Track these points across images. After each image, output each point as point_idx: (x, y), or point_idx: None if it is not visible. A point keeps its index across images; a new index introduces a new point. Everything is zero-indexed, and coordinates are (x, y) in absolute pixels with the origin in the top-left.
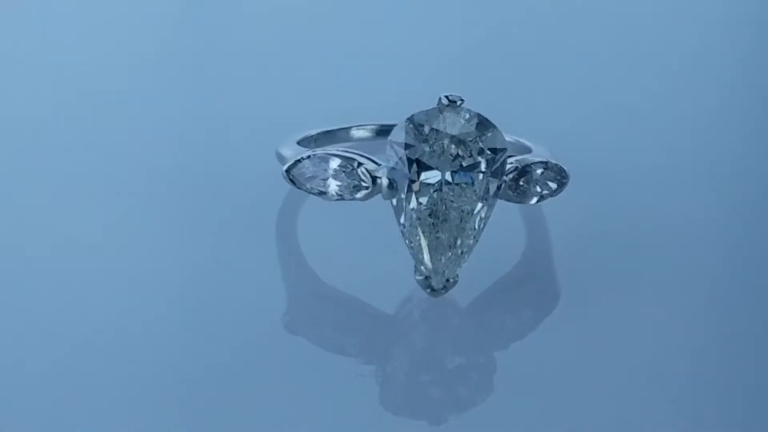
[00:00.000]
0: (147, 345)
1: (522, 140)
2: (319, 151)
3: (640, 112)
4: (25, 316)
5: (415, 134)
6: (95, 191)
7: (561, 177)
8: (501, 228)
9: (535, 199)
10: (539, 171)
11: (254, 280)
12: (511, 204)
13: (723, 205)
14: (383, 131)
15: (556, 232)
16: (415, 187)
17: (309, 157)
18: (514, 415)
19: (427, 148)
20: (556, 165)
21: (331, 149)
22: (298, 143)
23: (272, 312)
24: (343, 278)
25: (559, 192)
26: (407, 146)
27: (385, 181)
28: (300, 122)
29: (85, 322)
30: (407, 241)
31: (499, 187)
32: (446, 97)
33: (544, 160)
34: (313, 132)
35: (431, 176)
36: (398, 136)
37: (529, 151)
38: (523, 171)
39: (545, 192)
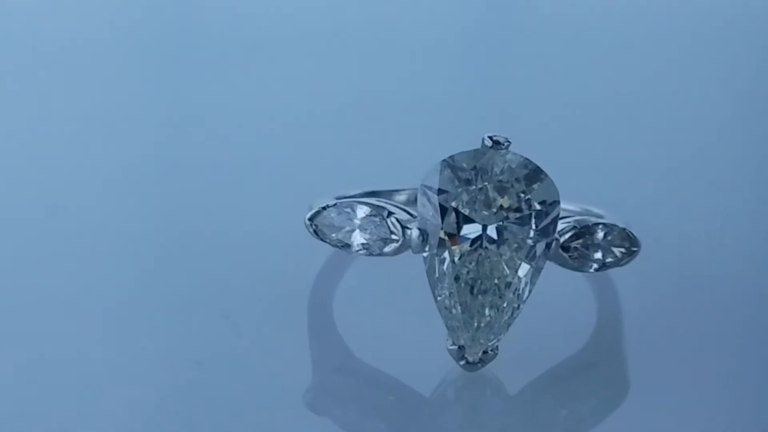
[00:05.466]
0: (156, 415)
1: (591, 208)
2: (346, 199)
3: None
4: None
5: (451, 178)
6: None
7: (629, 244)
8: (561, 299)
9: (594, 267)
10: (601, 234)
11: (279, 351)
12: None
13: None
14: None
15: (629, 308)
16: (450, 241)
17: (335, 204)
18: None
19: (466, 196)
20: (624, 230)
21: (360, 198)
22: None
23: (295, 388)
24: (376, 350)
25: (627, 262)
26: (441, 192)
27: (415, 233)
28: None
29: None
30: (439, 304)
31: (548, 247)
32: (490, 137)
33: (609, 222)
34: (353, 192)
35: (470, 230)
36: (431, 179)
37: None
38: (581, 232)
39: (609, 260)
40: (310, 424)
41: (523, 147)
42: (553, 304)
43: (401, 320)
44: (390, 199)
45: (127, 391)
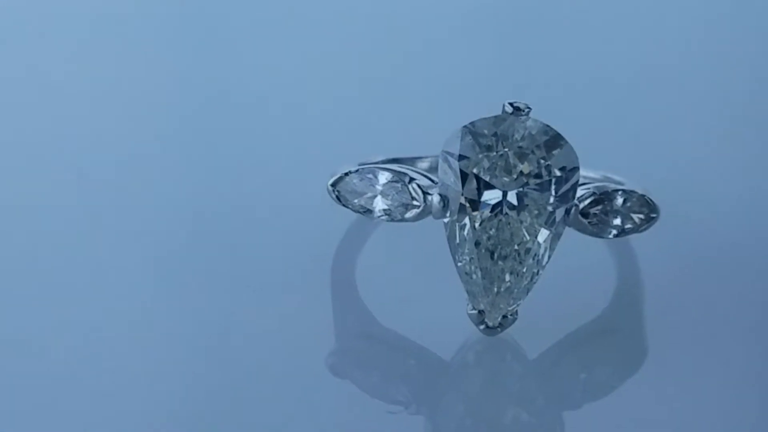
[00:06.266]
0: (184, 381)
1: (611, 175)
2: (368, 165)
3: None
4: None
5: (472, 144)
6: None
7: (648, 211)
8: (582, 265)
9: (613, 233)
10: (620, 200)
11: (302, 316)
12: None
13: None
14: None
15: (648, 274)
16: (471, 207)
17: (357, 170)
18: None
19: (486, 162)
20: (643, 196)
21: (382, 164)
22: None
23: (319, 353)
24: (397, 315)
25: (646, 228)
26: (462, 158)
27: (436, 198)
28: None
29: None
30: (459, 270)
31: (567, 213)
32: (510, 104)
33: (628, 188)
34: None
35: (490, 196)
36: (452, 145)
37: None
38: (601, 198)
39: (628, 226)
40: (333, 389)
41: (544, 113)
42: (572, 269)
43: (422, 285)
44: (413, 166)
45: (155, 355)
